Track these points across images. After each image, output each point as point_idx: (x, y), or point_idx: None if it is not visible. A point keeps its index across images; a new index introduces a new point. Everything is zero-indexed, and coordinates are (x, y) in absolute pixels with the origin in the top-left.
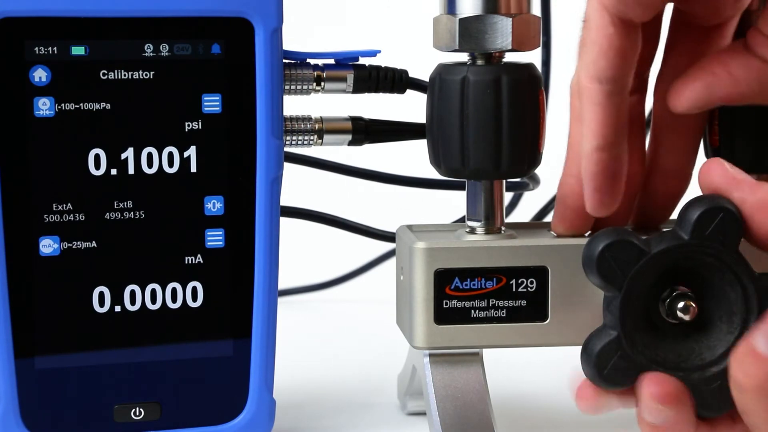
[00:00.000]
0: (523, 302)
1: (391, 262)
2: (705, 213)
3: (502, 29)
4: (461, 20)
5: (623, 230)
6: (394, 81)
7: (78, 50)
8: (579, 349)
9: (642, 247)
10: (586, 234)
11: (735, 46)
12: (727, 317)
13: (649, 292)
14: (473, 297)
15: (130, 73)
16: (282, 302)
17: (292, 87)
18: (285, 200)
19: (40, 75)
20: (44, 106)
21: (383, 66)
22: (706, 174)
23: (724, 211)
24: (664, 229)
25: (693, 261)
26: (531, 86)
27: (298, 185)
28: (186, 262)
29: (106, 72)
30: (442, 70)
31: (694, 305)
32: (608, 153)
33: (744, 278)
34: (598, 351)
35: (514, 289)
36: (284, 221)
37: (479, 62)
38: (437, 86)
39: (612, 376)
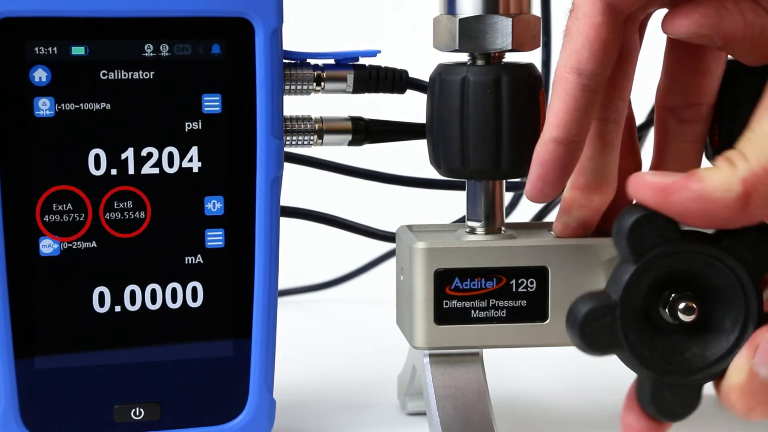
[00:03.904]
0: (523, 302)
1: (391, 262)
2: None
3: (502, 29)
4: (461, 20)
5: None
6: (394, 81)
7: (78, 50)
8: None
9: (675, 231)
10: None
11: None
12: (728, 314)
13: (649, 296)
14: (473, 297)
15: (130, 73)
16: (282, 302)
17: (292, 87)
18: (285, 200)
19: (40, 75)
20: (44, 106)
21: (383, 66)
22: (636, 193)
23: None
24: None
25: (687, 262)
26: (531, 86)
27: (298, 185)
28: (186, 262)
29: (106, 72)
30: (442, 70)
31: (695, 306)
32: (566, 148)
33: (740, 273)
34: (583, 314)
35: (514, 289)
36: (284, 221)
37: (479, 62)
38: (437, 86)
39: (593, 337)
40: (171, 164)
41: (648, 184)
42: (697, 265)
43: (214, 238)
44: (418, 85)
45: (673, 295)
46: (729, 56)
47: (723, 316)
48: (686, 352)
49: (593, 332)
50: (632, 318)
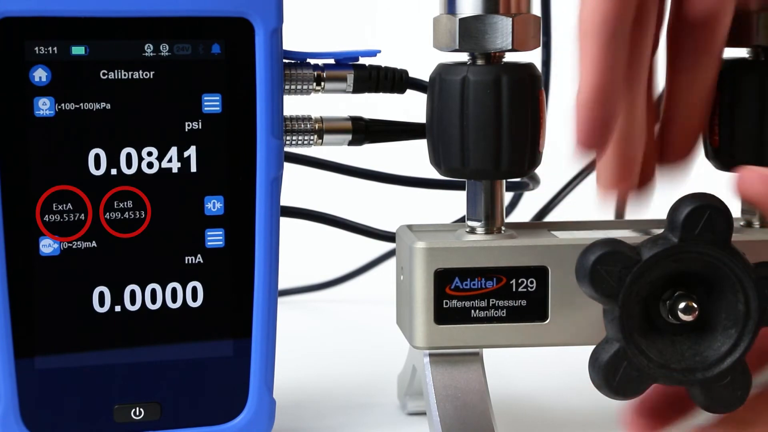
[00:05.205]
0: (523, 302)
1: (391, 262)
2: (692, 212)
3: (502, 29)
4: (461, 20)
5: (613, 241)
6: (394, 81)
7: (78, 50)
8: (579, 348)
9: (633, 256)
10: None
11: None
12: (728, 314)
13: (649, 295)
14: (473, 297)
15: (130, 73)
16: (282, 302)
17: (292, 87)
18: (285, 200)
19: (40, 75)
20: (44, 106)
21: (383, 66)
22: (745, 184)
23: (711, 208)
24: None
25: (687, 262)
26: (531, 86)
27: (298, 185)
28: (186, 262)
29: (106, 72)
30: (442, 70)
31: (695, 305)
32: (605, 94)
33: (740, 273)
34: (605, 363)
35: (514, 289)
36: (284, 221)
37: (479, 62)
38: (437, 86)
39: (623, 386)
40: (171, 164)
41: (762, 181)
42: (697, 265)
43: (214, 238)
44: (418, 85)
45: (673, 295)
46: (728, 55)
47: (723, 316)
48: (686, 351)
49: (623, 383)
50: (645, 347)
